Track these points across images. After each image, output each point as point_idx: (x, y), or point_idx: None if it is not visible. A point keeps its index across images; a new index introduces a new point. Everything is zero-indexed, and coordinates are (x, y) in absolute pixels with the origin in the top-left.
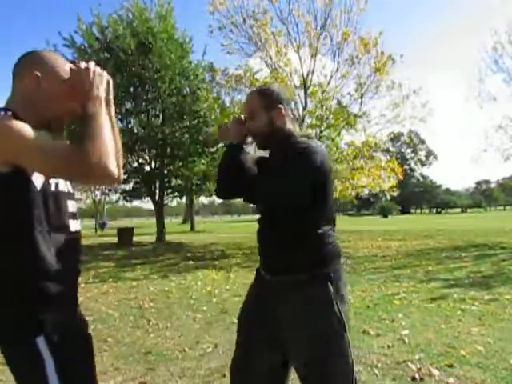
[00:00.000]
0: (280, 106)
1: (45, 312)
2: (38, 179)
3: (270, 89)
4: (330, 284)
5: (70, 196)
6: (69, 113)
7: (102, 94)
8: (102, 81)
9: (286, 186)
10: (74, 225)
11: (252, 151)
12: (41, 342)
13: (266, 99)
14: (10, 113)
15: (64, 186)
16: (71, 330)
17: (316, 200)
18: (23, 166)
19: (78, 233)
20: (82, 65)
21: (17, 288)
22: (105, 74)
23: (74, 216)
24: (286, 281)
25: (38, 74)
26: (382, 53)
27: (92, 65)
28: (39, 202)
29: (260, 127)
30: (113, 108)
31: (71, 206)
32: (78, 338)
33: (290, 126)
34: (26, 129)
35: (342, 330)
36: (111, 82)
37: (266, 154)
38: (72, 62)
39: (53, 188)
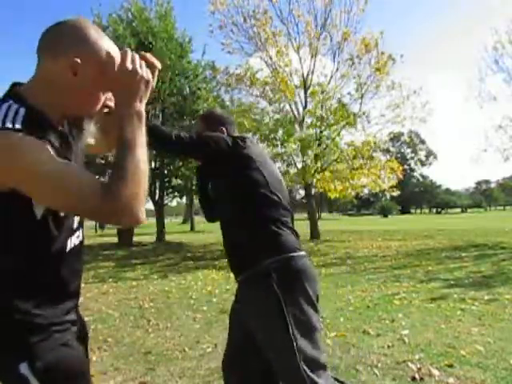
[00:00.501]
0: (221, 127)
1: (32, 338)
2: (39, 208)
3: (212, 114)
4: (271, 275)
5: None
6: (103, 108)
7: (143, 109)
8: (148, 91)
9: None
10: (70, 242)
11: None
12: (24, 367)
13: (208, 123)
14: (22, 109)
15: None
16: (62, 353)
17: (240, 196)
18: (29, 196)
19: (75, 247)
20: (128, 61)
21: (3, 314)
22: (151, 78)
23: (77, 229)
24: (238, 280)
25: (79, 60)
26: (383, 53)
27: (140, 65)
28: (37, 231)
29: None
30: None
31: (76, 220)
32: (70, 361)
33: None
34: (38, 154)
35: (282, 326)
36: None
37: None
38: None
39: (62, 213)
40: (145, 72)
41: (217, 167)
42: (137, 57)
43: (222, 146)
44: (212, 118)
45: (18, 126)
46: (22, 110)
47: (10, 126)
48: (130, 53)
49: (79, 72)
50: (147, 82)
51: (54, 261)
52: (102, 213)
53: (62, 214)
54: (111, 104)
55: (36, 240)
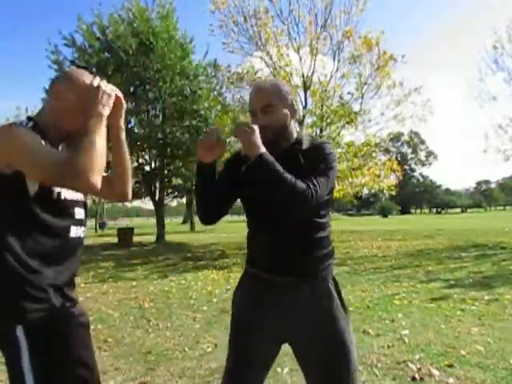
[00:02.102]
0: (293, 101)
1: (25, 303)
2: (33, 186)
3: (282, 83)
4: (336, 282)
5: (79, 204)
6: (80, 128)
7: (106, 112)
8: (109, 101)
9: (328, 185)
10: (76, 231)
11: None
12: (19, 330)
13: (283, 94)
14: (31, 123)
15: (72, 194)
16: (57, 322)
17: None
18: (19, 169)
19: (78, 239)
20: (95, 82)
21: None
22: (117, 95)
23: (78, 223)
24: (301, 279)
25: (60, 89)
26: (384, 52)
27: (103, 83)
28: (29, 208)
29: (276, 121)
30: (123, 132)
31: (78, 213)
32: (66, 329)
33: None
34: (26, 134)
35: (350, 327)
36: (124, 106)
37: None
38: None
39: (54, 196)
40: (107, 87)
41: None
42: (103, 81)
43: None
44: (283, 88)
45: (24, 127)
46: (32, 123)
47: (19, 124)
48: (96, 79)
49: (61, 98)
50: (109, 95)
51: (54, 240)
52: (63, 176)
53: (57, 198)
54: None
55: (28, 216)
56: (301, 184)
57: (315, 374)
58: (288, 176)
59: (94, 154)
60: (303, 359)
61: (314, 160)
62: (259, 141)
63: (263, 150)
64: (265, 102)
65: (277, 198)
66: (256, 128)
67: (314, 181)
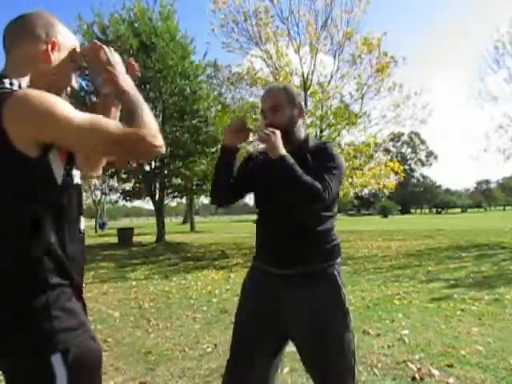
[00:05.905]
0: (302, 104)
1: (63, 325)
2: (58, 170)
3: (293, 87)
4: (338, 275)
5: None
6: (67, 87)
7: (124, 70)
8: (119, 59)
9: (336, 187)
10: (82, 223)
11: (253, 149)
12: (56, 359)
13: (291, 96)
14: (25, 84)
15: (79, 177)
16: (89, 345)
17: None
18: (65, 148)
19: (83, 234)
20: (108, 53)
21: (28, 294)
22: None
23: (82, 213)
24: (300, 272)
25: (56, 40)
26: (385, 54)
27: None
28: (59, 198)
29: (283, 120)
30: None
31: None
32: (95, 354)
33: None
34: (66, 104)
35: (348, 320)
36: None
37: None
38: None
39: (75, 181)
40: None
41: None
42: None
43: None
44: (293, 91)
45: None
46: (25, 84)
47: (25, 86)
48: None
49: (56, 51)
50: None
51: (76, 236)
52: (136, 140)
53: (76, 183)
54: (75, 85)
55: (58, 208)
56: (318, 184)
57: (312, 371)
58: (307, 177)
59: (148, 111)
60: (301, 355)
61: (321, 159)
62: (281, 144)
63: (284, 152)
64: (273, 103)
65: (296, 195)
66: (278, 132)
67: (327, 181)
